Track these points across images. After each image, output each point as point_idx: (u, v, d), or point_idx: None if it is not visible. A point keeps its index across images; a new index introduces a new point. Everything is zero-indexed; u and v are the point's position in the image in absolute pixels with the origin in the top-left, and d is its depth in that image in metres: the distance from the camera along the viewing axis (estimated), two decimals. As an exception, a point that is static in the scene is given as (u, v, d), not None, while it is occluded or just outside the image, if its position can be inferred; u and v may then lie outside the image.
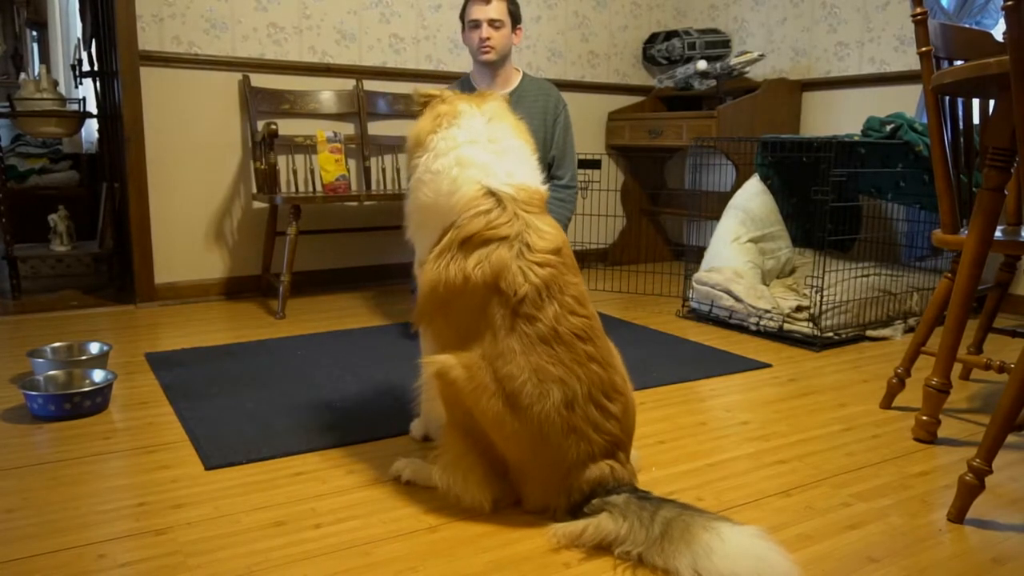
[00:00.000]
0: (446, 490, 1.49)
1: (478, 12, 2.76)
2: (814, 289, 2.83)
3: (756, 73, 4.19)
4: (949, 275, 2.01)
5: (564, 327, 1.45)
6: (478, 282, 1.46)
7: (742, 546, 1.23)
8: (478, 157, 1.56)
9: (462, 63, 3.87)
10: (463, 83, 2.93)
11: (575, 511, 1.42)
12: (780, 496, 1.58)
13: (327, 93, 3.54)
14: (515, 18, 2.82)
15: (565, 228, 2.96)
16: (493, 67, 2.84)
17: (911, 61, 3.55)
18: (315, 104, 3.51)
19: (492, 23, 2.75)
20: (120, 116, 3.21)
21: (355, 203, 3.69)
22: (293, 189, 3.47)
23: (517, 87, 2.89)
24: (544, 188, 1.62)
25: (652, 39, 4.44)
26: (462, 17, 2.84)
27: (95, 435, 1.85)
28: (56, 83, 3.59)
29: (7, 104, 3.50)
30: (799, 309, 2.81)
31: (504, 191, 1.52)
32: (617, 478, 1.42)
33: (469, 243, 1.49)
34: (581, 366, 1.44)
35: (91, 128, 4.44)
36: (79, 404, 1.96)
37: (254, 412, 2.00)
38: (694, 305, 3.14)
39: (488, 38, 2.76)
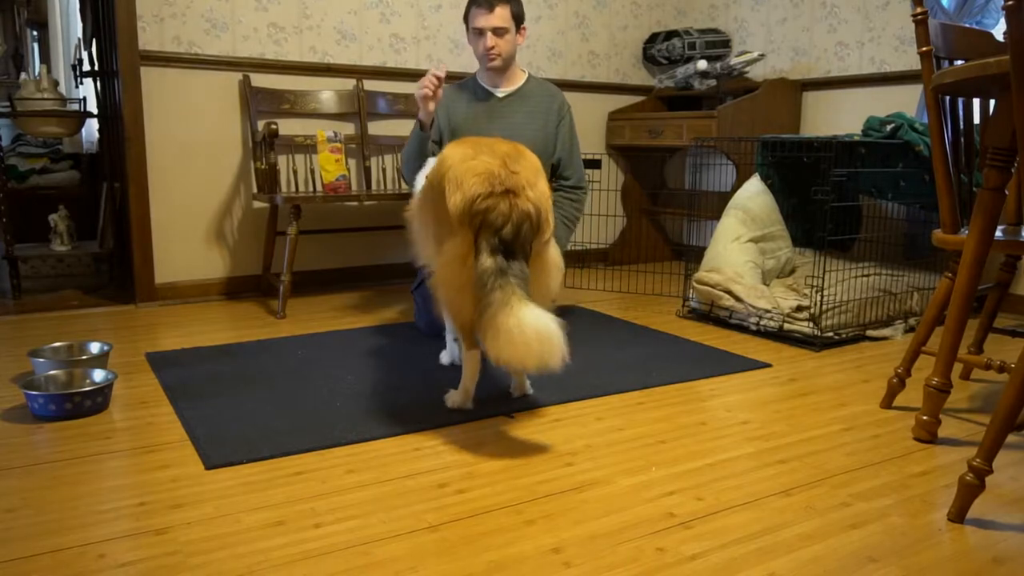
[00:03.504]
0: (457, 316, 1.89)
1: (481, 21, 2.72)
2: (814, 289, 2.83)
3: (756, 73, 4.19)
4: (949, 275, 2.01)
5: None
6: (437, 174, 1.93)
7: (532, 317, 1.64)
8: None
9: (463, 63, 3.87)
10: (470, 83, 2.93)
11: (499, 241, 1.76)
12: (780, 496, 1.58)
13: (327, 93, 3.54)
14: (519, 19, 2.79)
15: (574, 228, 2.96)
16: (500, 70, 2.84)
17: (911, 61, 3.55)
18: (315, 104, 3.51)
19: (496, 31, 2.73)
20: (120, 116, 3.21)
21: (355, 203, 3.69)
22: (293, 189, 3.47)
23: (521, 87, 2.89)
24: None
25: (652, 39, 4.44)
26: (466, 20, 2.82)
27: (95, 435, 1.85)
28: (56, 83, 3.59)
29: (7, 104, 3.50)
30: (799, 309, 2.81)
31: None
32: (513, 207, 1.77)
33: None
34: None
35: (91, 128, 4.44)
36: (80, 404, 1.96)
37: (254, 412, 2.00)
38: (694, 305, 3.14)
39: (493, 47, 2.74)
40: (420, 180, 2.25)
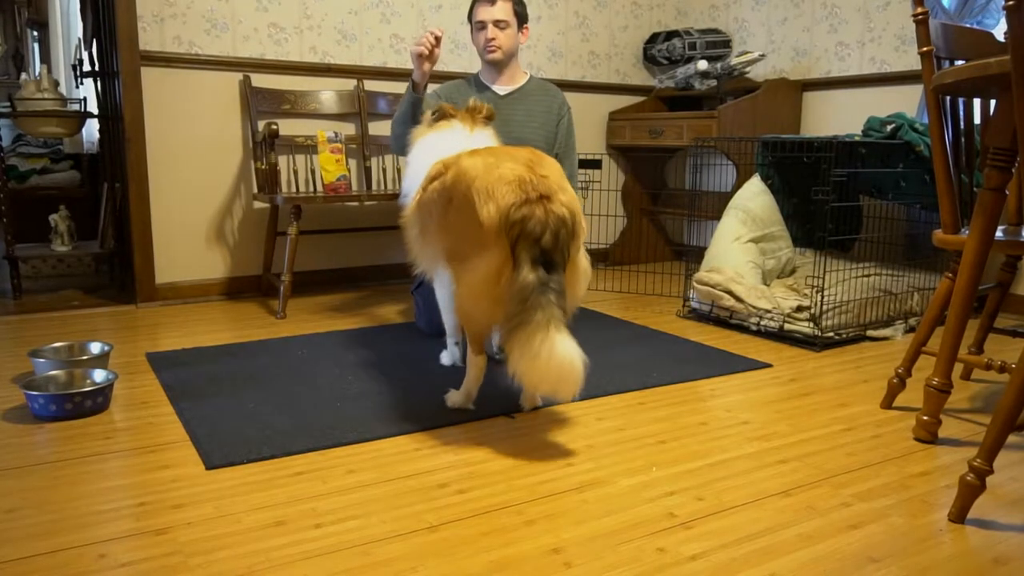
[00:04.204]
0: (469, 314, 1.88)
1: (483, 13, 2.78)
2: (815, 289, 2.83)
3: (757, 73, 4.19)
4: (950, 275, 2.01)
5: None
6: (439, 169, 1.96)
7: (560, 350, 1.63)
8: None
9: (463, 63, 3.87)
10: (472, 80, 2.95)
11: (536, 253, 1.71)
12: (781, 496, 1.58)
13: (328, 93, 3.54)
14: (521, 18, 2.84)
15: None
16: (500, 66, 2.86)
17: (912, 61, 3.55)
18: (316, 104, 3.51)
19: (497, 24, 2.78)
20: (121, 116, 3.21)
21: (356, 203, 3.70)
22: (294, 189, 3.47)
23: (523, 86, 2.93)
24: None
25: (653, 39, 4.44)
26: (470, 18, 2.86)
27: (96, 435, 1.86)
28: (57, 83, 3.59)
29: (8, 104, 3.50)
30: (800, 309, 2.81)
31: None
32: (548, 212, 1.72)
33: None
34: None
35: (92, 128, 4.44)
36: (80, 404, 1.96)
37: (254, 412, 2.00)
38: (695, 305, 3.14)
39: (493, 39, 2.79)
40: (412, 182, 2.20)
